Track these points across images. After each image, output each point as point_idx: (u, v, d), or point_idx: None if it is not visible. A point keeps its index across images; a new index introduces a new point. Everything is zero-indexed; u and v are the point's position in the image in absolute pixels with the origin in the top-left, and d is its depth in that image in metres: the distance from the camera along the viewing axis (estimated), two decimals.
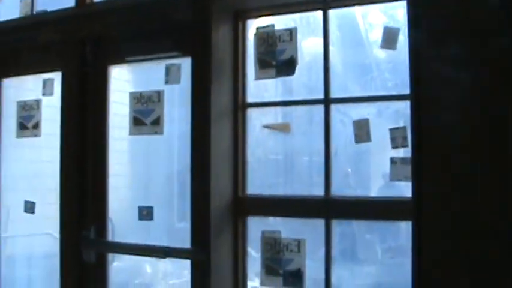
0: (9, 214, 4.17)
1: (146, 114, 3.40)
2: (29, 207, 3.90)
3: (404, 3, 2.81)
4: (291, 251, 3.10)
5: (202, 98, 3.20)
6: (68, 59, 3.70)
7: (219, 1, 3.26)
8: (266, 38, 3.20)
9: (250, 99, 3.36)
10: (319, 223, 3.08)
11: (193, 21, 3.28)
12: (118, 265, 3.83)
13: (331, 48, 3.14)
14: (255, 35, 3.25)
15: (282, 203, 3.23)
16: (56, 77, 3.78)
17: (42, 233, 4.49)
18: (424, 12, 2.68)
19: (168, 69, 3.36)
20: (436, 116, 2.61)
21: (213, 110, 3.17)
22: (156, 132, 3.39)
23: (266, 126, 3.33)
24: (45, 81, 3.82)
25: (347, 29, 3.27)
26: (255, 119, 3.36)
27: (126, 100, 3.51)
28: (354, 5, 3.14)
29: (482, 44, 2.55)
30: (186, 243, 3.30)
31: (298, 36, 3.17)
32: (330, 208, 3.06)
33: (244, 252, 3.29)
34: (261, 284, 3.22)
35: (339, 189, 3.13)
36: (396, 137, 2.91)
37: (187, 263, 3.36)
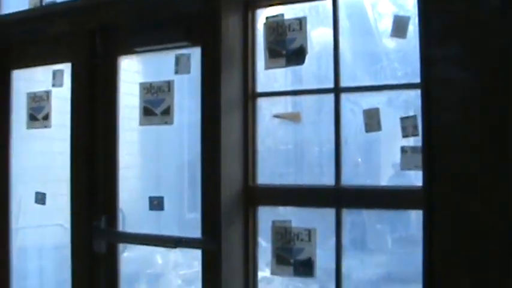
0: (20, 206, 4.18)
1: (156, 105, 3.41)
2: (40, 198, 3.92)
3: None
4: (302, 240, 3.10)
5: (212, 88, 3.19)
6: (78, 50, 3.71)
7: None
8: (276, 27, 3.19)
9: (260, 89, 3.35)
10: (330, 212, 3.08)
11: (203, 11, 3.27)
12: (129, 256, 3.84)
13: (340, 37, 3.13)
14: (265, 24, 3.24)
15: (293, 192, 3.23)
16: (66, 68, 3.79)
17: (53, 224, 4.51)
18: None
19: (177, 59, 3.36)
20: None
21: (223, 99, 3.17)
22: (166, 122, 3.39)
23: (276, 116, 3.32)
24: (55, 73, 3.83)
25: (356, 19, 3.26)
26: (265, 108, 3.36)
27: (136, 91, 3.51)
28: None
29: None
30: (196, 233, 3.30)
31: (308, 26, 3.16)
32: (340, 197, 3.05)
33: (255, 242, 3.29)
34: (272, 273, 3.23)
35: (350, 178, 3.12)
36: (407, 126, 2.90)
37: (197, 254, 3.37)
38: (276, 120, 3.35)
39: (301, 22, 3.15)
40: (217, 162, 3.15)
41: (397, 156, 2.95)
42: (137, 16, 3.47)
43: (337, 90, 3.09)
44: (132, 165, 3.79)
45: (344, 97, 3.10)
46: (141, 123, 3.48)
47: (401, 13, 2.99)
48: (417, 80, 2.76)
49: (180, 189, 3.74)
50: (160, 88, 3.40)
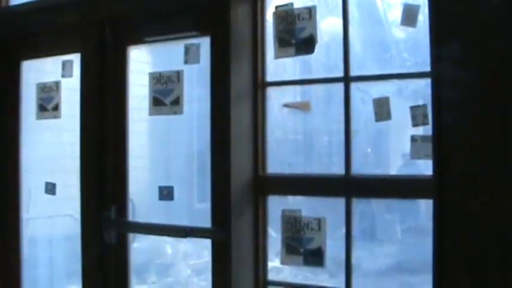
0: (30, 196, 4.20)
1: (166, 94, 3.40)
2: (50, 188, 3.93)
3: None
4: (312, 229, 3.10)
5: (221, 78, 3.19)
6: (87, 41, 3.71)
7: None
8: (285, 16, 3.18)
9: (269, 79, 3.34)
10: (339, 202, 3.07)
11: (213, 1, 3.27)
12: (139, 246, 3.85)
13: (349, 27, 3.12)
14: (274, 13, 3.23)
15: (303, 181, 3.22)
16: (75, 58, 3.79)
17: (63, 215, 4.53)
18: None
19: (187, 49, 3.35)
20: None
21: (232, 89, 3.16)
22: (175, 112, 3.39)
23: (286, 105, 3.32)
24: (64, 63, 3.83)
25: (365, 8, 3.25)
26: (274, 98, 3.36)
27: (145, 82, 3.51)
28: None
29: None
30: (206, 223, 3.31)
31: (317, 15, 3.15)
32: (350, 186, 3.05)
33: (265, 232, 3.28)
34: (282, 263, 3.23)
35: (359, 167, 3.12)
36: (417, 115, 2.89)
37: (207, 244, 3.37)
38: (286, 109, 3.34)
39: (310, 11, 3.14)
40: (227, 151, 3.14)
41: (406, 146, 2.94)
42: (146, 6, 3.47)
43: (347, 79, 3.07)
44: (141, 156, 3.80)
45: (354, 86, 3.09)
46: (151, 113, 3.47)
47: (411, 1, 2.97)
48: (427, 69, 2.75)
49: (190, 179, 3.75)
50: (169, 78, 3.40)
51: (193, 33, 3.35)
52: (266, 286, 3.29)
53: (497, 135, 2.49)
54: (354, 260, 3.08)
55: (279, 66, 3.35)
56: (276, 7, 3.24)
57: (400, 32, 3.15)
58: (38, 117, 3.97)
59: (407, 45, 3.14)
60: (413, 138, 2.90)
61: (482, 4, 2.54)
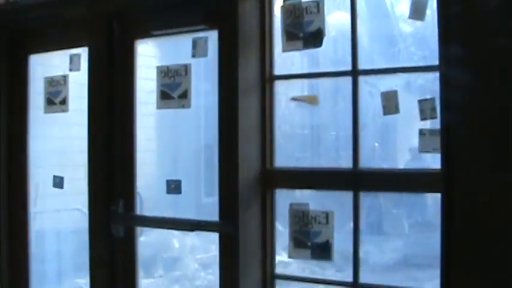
0: (38, 189, 4.21)
1: (173, 88, 3.40)
2: (58, 182, 3.93)
3: None
4: (319, 223, 3.09)
5: (229, 71, 3.19)
6: (95, 34, 3.71)
7: None
8: (293, 10, 3.17)
9: (276, 72, 3.34)
10: (347, 196, 3.07)
11: None
12: (145, 240, 3.86)
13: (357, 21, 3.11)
14: (282, 7, 3.22)
15: (311, 175, 3.22)
16: (83, 52, 3.79)
17: (70, 209, 4.55)
18: None
19: (195, 43, 3.34)
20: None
21: (240, 82, 3.16)
22: (183, 106, 3.39)
23: (294, 99, 3.32)
24: (71, 57, 3.83)
25: (373, 2, 3.25)
26: (281, 93, 3.35)
27: (152, 76, 3.52)
28: None
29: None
30: (213, 218, 3.31)
31: (325, 9, 3.14)
32: (358, 180, 3.04)
33: (272, 225, 3.29)
34: (289, 256, 3.22)
35: (367, 161, 3.11)
36: (425, 109, 2.88)
37: (214, 238, 3.37)
38: (293, 103, 3.34)
39: (318, 5, 3.13)
40: (235, 145, 3.14)
41: (414, 140, 2.94)
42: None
43: (355, 73, 3.07)
44: (149, 149, 3.80)
45: (362, 80, 3.08)
46: (158, 107, 3.47)
47: None
48: (435, 62, 2.74)
49: (197, 172, 3.75)
50: (177, 72, 3.40)
51: (201, 26, 3.34)
52: (274, 280, 3.30)
53: (508, 127, 2.48)
54: (361, 254, 3.08)
55: (286, 60, 3.35)
56: (284, 1, 3.23)
57: (407, 26, 3.14)
58: (46, 111, 3.97)
59: (415, 39, 3.14)
60: (422, 132, 2.89)
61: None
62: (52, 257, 4.50)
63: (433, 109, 2.85)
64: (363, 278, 3.04)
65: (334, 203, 3.17)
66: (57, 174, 3.96)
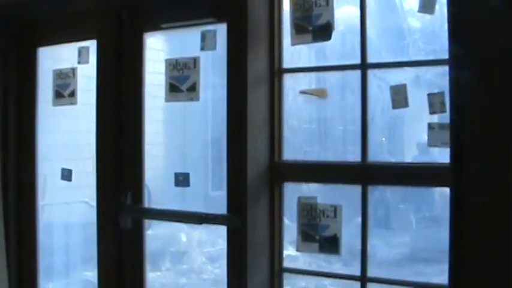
0: (46, 183, 4.22)
1: (182, 81, 3.40)
2: (66, 174, 3.94)
3: None
4: (327, 216, 3.09)
5: (238, 64, 3.18)
6: (103, 27, 3.71)
7: None
8: (302, 3, 3.16)
9: (284, 66, 3.34)
10: (355, 190, 3.07)
11: None
12: (153, 233, 3.87)
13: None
14: (291, 0, 3.22)
15: (319, 168, 3.22)
16: (92, 45, 3.80)
17: (78, 201, 4.56)
18: None
19: (203, 36, 3.34)
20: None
21: (249, 75, 3.15)
22: (192, 99, 3.39)
23: (303, 92, 3.31)
24: (80, 50, 3.83)
25: None
26: (288, 87, 3.35)
27: (161, 69, 3.52)
28: None
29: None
30: (221, 211, 3.31)
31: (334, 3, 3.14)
32: (367, 174, 3.04)
33: (281, 218, 3.29)
34: (297, 250, 3.22)
35: (375, 155, 3.11)
36: (434, 102, 2.88)
37: (221, 231, 3.37)
38: (301, 97, 3.34)
39: None
40: (243, 137, 3.14)
41: (422, 134, 2.94)
42: None
43: (364, 67, 3.06)
44: (157, 143, 3.81)
45: (371, 73, 3.07)
46: (167, 100, 3.47)
47: None
48: (444, 56, 2.74)
49: (205, 166, 3.76)
50: (186, 65, 3.40)
51: (210, 19, 3.34)
52: (282, 273, 3.30)
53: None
54: (368, 249, 3.08)
55: (293, 54, 3.34)
56: None
57: (415, 21, 3.14)
58: (55, 104, 3.97)
59: (423, 34, 3.13)
60: (431, 126, 2.89)
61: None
62: (60, 250, 4.51)
63: (443, 103, 2.85)
64: (370, 273, 3.04)
65: (342, 196, 3.17)
66: (65, 167, 3.96)
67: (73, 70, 3.88)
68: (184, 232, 6.35)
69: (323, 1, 3.12)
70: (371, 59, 3.08)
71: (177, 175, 3.45)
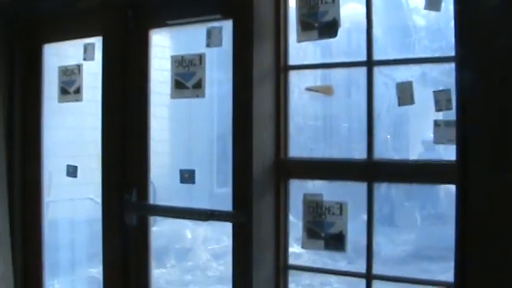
0: (51, 179, 4.22)
1: (187, 78, 3.40)
2: (71, 171, 3.94)
3: None
4: (333, 214, 3.09)
5: (244, 61, 3.18)
6: (109, 24, 3.71)
7: None
8: None
9: (290, 62, 3.33)
10: (360, 187, 3.07)
11: None
12: (158, 230, 3.87)
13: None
14: None
15: (325, 165, 3.22)
16: (97, 42, 3.80)
17: (84, 198, 4.56)
18: None
19: (209, 32, 3.34)
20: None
21: (255, 72, 3.15)
22: (197, 96, 3.38)
23: (309, 89, 3.31)
24: (86, 46, 3.83)
25: None
26: (294, 85, 3.34)
27: (165, 66, 3.51)
28: None
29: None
30: (226, 208, 3.31)
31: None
32: (373, 171, 3.04)
33: (286, 215, 3.29)
34: (303, 247, 3.22)
35: (381, 152, 3.11)
36: (440, 100, 2.88)
37: (226, 229, 3.37)
38: (306, 94, 3.33)
39: None
40: (249, 134, 3.14)
41: (427, 131, 2.93)
42: None
43: (370, 64, 3.06)
44: (163, 140, 3.81)
45: (377, 70, 3.07)
46: (173, 96, 3.47)
47: None
48: (450, 53, 2.73)
49: (210, 163, 3.75)
50: (191, 61, 3.40)
51: (216, 16, 3.33)
52: (287, 270, 3.30)
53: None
54: (373, 246, 3.08)
55: (299, 51, 3.34)
56: None
57: (421, 18, 3.13)
58: (60, 100, 3.97)
59: (429, 31, 3.12)
60: (437, 123, 2.89)
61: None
62: (65, 246, 4.52)
63: (449, 100, 2.84)
64: (375, 270, 3.04)
65: (348, 194, 3.17)
66: (70, 163, 3.96)
67: (78, 67, 3.88)
68: (189, 229, 6.35)
69: None
70: (377, 56, 3.07)
71: (182, 172, 3.45)
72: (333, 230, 3.10)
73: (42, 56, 4.09)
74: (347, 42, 3.37)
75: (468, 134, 2.58)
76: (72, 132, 4.33)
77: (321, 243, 3.14)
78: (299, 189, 3.25)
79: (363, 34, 3.07)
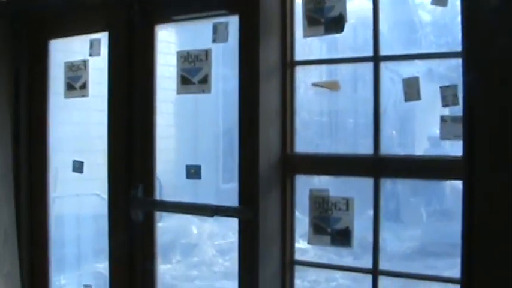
0: (57, 174, 4.23)
1: (194, 73, 3.40)
2: (78, 166, 3.94)
3: None
4: (339, 209, 3.09)
5: (250, 56, 3.17)
6: (115, 19, 3.70)
7: None
8: None
9: (296, 58, 3.33)
10: (367, 182, 3.06)
11: None
12: (164, 226, 3.87)
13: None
14: None
15: (331, 161, 3.22)
16: (103, 37, 3.80)
17: (90, 194, 4.56)
18: None
19: (215, 28, 3.33)
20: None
21: (261, 67, 3.14)
22: (203, 91, 3.38)
23: (315, 84, 3.30)
24: (92, 42, 3.82)
25: None
26: (299, 80, 3.34)
27: (171, 62, 3.51)
28: None
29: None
30: (232, 203, 3.31)
31: None
32: (379, 166, 3.03)
33: (292, 211, 3.28)
34: (309, 242, 3.22)
35: (387, 147, 3.10)
36: (447, 95, 2.87)
37: (232, 224, 3.37)
38: (312, 89, 3.33)
39: None
40: (255, 129, 3.13)
41: (433, 127, 2.92)
42: None
43: (376, 59, 3.05)
44: (169, 135, 3.81)
45: (383, 66, 3.06)
46: (179, 92, 3.46)
47: None
48: (457, 49, 2.72)
49: (216, 159, 3.75)
50: (197, 57, 3.39)
51: (222, 11, 3.32)
52: (293, 266, 3.30)
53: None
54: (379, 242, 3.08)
55: (304, 46, 3.33)
56: None
57: (427, 14, 3.12)
58: (66, 96, 3.97)
59: (435, 27, 3.11)
60: (443, 119, 2.87)
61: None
62: (71, 242, 4.52)
63: (455, 96, 2.83)
64: (381, 266, 3.04)
65: (354, 189, 3.16)
66: (76, 159, 3.97)
67: (84, 62, 3.88)
68: (195, 225, 6.36)
69: None
70: (383, 51, 3.06)
71: (188, 168, 3.45)
72: (339, 226, 3.09)
73: (48, 52, 4.09)
74: (353, 38, 3.36)
75: (475, 130, 2.58)
76: (78, 128, 4.33)
77: (327, 238, 3.14)
78: (305, 185, 3.25)
79: (369, 29, 3.06)
